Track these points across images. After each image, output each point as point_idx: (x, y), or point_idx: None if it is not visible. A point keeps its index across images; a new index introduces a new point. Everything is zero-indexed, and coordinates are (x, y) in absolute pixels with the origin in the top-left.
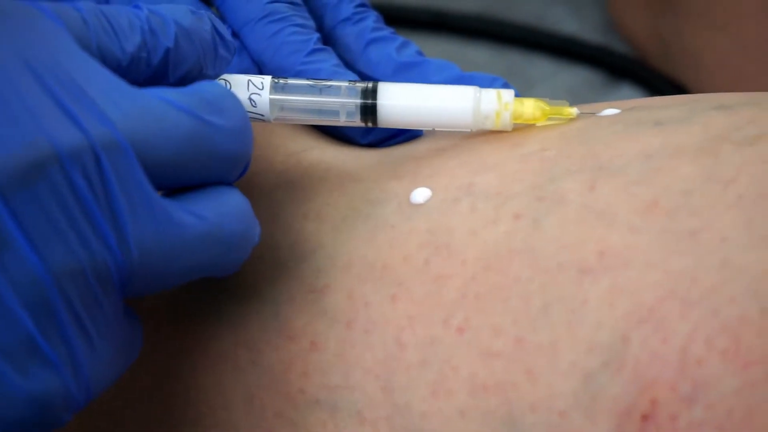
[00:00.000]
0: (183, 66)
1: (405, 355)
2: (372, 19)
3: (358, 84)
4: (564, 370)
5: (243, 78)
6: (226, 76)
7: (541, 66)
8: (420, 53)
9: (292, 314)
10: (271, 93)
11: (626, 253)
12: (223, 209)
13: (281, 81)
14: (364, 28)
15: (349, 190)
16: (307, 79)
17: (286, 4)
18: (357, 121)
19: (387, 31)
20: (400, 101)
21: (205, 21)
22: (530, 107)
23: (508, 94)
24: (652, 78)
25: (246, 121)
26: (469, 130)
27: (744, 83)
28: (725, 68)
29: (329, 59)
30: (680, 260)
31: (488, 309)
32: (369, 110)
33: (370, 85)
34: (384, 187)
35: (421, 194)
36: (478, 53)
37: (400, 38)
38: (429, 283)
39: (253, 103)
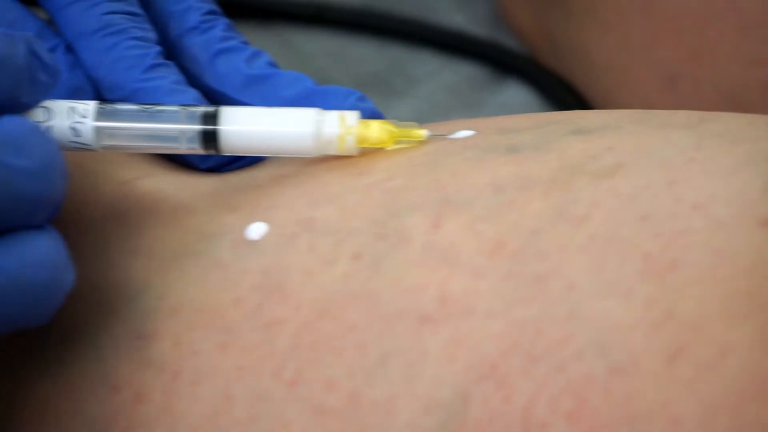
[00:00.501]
0: None
1: (233, 410)
2: (221, 27)
3: (197, 108)
4: (400, 431)
5: (64, 104)
6: (46, 102)
7: (425, 62)
8: (272, 64)
9: (116, 362)
10: (96, 120)
11: (468, 300)
12: (25, 258)
13: (108, 106)
14: (212, 38)
15: (182, 223)
16: (139, 103)
17: (125, 15)
18: (198, 149)
19: (237, 41)
20: (243, 126)
21: (18, 45)
22: (376, 130)
23: (352, 116)
24: (540, 75)
25: (53, 159)
26: (312, 156)
27: (632, 84)
28: (613, 68)
29: (169, 75)
30: (525, 309)
31: (322, 360)
32: (210, 137)
33: (210, 109)
34: (219, 220)
35: (256, 230)
36: (361, 49)
37: (251, 48)
38: (261, 329)
39: (77, 133)
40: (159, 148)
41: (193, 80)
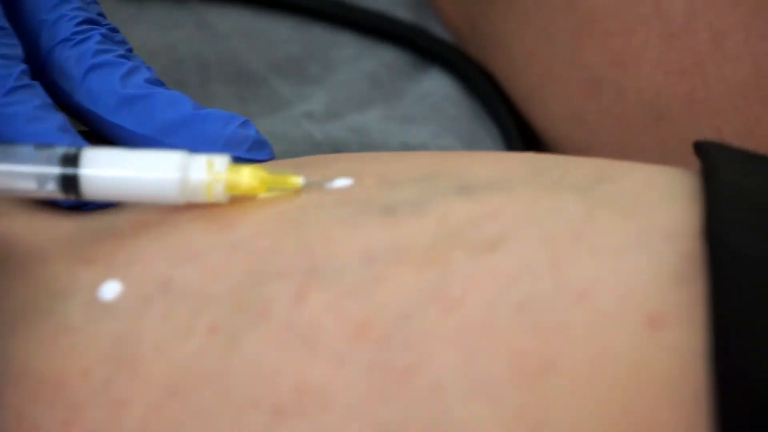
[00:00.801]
0: None
1: None
2: (95, 40)
3: (55, 149)
4: None
5: None
6: None
7: (345, 46)
8: (150, 82)
9: None
10: None
11: (327, 393)
12: None
13: None
14: (85, 51)
15: (34, 275)
16: None
17: None
18: (57, 194)
19: (113, 54)
20: (106, 172)
21: None
22: (247, 177)
23: (221, 161)
24: (463, 65)
25: None
26: (179, 204)
27: (554, 85)
28: (534, 64)
29: (32, 99)
30: (387, 409)
31: None
32: (70, 181)
33: (71, 150)
34: (73, 273)
35: (110, 289)
36: (279, 30)
37: (129, 63)
38: (107, 408)
39: None
40: (18, 192)
41: (64, 98)
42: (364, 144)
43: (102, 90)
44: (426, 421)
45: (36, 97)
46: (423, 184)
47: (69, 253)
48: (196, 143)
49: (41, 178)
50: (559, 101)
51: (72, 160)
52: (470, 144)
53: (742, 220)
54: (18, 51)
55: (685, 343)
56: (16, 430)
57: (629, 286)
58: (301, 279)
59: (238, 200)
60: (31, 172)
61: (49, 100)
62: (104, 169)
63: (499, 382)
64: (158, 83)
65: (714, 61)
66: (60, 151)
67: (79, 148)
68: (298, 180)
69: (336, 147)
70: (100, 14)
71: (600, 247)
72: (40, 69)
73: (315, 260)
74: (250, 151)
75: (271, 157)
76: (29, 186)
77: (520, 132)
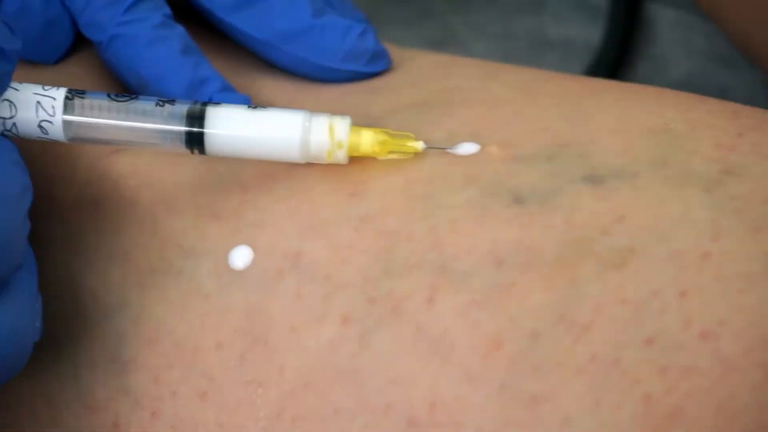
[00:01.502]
0: None
1: None
2: None
3: (181, 106)
4: None
5: (30, 96)
6: (10, 93)
7: None
8: None
9: (92, 382)
10: (65, 113)
11: (459, 411)
12: None
13: (77, 99)
14: None
15: (161, 226)
16: (114, 96)
17: None
18: (181, 149)
19: None
20: (229, 131)
21: None
22: (368, 140)
23: (343, 126)
24: None
25: (9, 237)
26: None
27: None
28: None
29: (150, 15)
30: None
31: None
32: (196, 139)
33: (196, 108)
34: (202, 230)
35: (241, 257)
36: None
37: None
38: (242, 387)
39: (44, 131)
40: (137, 144)
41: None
42: None
43: None
44: None
45: (155, 11)
46: (550, 164)
47: (197, 203)
48: (314, 53)
49: (167, 135)
50: None
51: (198, 119)
52: None
53: None
54: None
55: None
56: (155, 394)
57: (754, 331)
58: (430, 277)
59: (360, 160)
60: (158, 129)
61: (167, 11)
62: (228, 128)
63: (627, 426)
64: None
65: None
66: (184, 108)
67: (204, 106)
68: (418, 145)
69: None
70: None
71: (727, 275)
72: None
73: (444, 256)
74: (369, 64)
75: (388, 67)
76: (155, 143)
77: None
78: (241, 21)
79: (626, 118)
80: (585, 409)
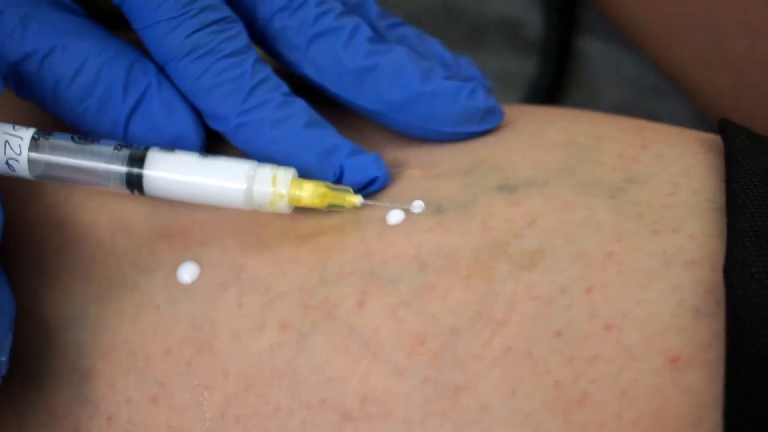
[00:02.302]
0: None
1: None
2: (313, 2)
3: (125, 150)
4: None
5: (1, 136)
6: None
7: None
8: (372, 41)
9: (54, 391)
10: (30, 150)
11: (388, 402)
12: None
13: (42, 139)
14: (305, 19)
15: (119, 244)
16: (77, 139)
17: (211, 28)
18: (122, 190)
19: (332, 16)
20: (169, 174)
21: None
22: (309, 192)
23: (285, 176)
24: None
25: None
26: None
27: None
28: None
29: (271, 98)
30: (440, 426)
31: None
32: (135, 180)
33: (139, 151)
34: (154, 248)
35: (188, 272)
36: None
37: (348, 25)
38: (190, 391)
39: (11, 168)
40: (88, 182)
41: (291, 67)
42: None
43: (327, 63)
44: None
45: (274, 91)
46: (467, 178)
47: (151, 223)
48: (426, 120)
49: (110, 175)
50: None
51: (138, 161)
52: None
53: (763, 258)
54: (244, 38)
55: (703, 385)
56: (111, 400)
57: (653, 322)
58: (361, 283)
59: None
60: (102, 168)
61: (285, 88)
62: (170, 172)
63: (539, 412)
64: (378, 41)
65: None
66: (127, 151)
67: (146, 150)
68: (356, 199)
69: None
70: None
71: (629, 271)
72: (260, 36)
73: (372, 264)
74: (482, 122)
75: (501, 121)
76: (101, 182)
77: None
78: (352, 94)
79: (537, 136)
80: (501, 397)
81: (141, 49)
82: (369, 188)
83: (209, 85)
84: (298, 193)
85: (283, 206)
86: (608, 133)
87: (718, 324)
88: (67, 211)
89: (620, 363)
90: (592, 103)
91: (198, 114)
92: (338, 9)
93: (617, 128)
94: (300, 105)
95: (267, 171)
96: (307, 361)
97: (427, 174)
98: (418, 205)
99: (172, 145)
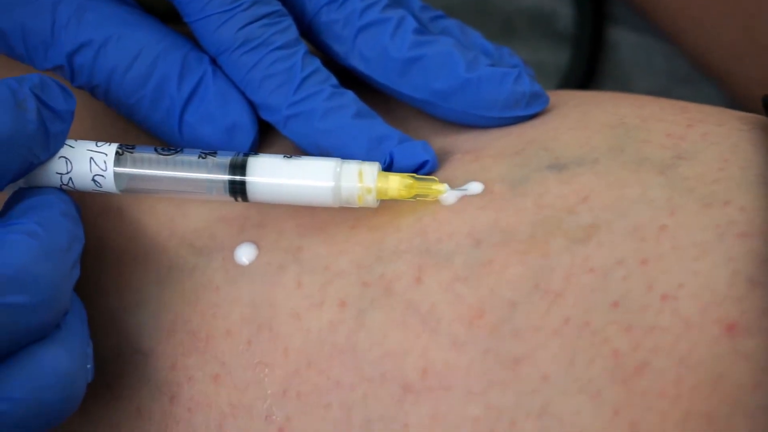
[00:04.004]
0: (3, 181)
1: None
2: None
3: (223, 158)
4: None
5: (85, 153)
6: (66, 147)
7: None
8: (417, 33)
9: (117, 373)
10: (116, 165)
11: (448, 375)
12: (38, 381)
13: (127, 153)
14: (352, 12)
15: (177, 228)
16: (161, 150)
17: (262, 21)
18: (226, 197)
19: (378, 8)
20: (266, 179)
21: (28, 109)
22: (395, 185)
23: (371, 170)
24: None
25: (56, 287)
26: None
27: None
28: None
29: (321, 89)
30: (501, 395)
31: (310, 412)
32: (238, 187)
33: (239, 158)
34: (212, 231)
35: (246, 253)
36: None
37: (394, 16)
38: (251, 369)
39: (98, 184)
40: (179, 192)
41: (339, 59)
42: None
43: (374, 54)
44: (534, 411)
45: (323, 83)
46: (517, 158)
47: (207, 209)
48: (473, 106)
49: (212, 184)
50: None
51: (240, 168)
52: None
53: None
54: (293, 31)
55: (760, 351)
56: (173, 380)
57: (709, 292)
58: (417, 259)
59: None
60: (203, 178)
61: (334, 80)
62: (266, 176)
63: (598, 380)
64: (423, 32)
65: None
66: (227, 160)
67: (246, 157)
68: (442, 187)
69: None
70: None
71: (683, 244)
72: (308, 29)
73: (428, 241)
74: (528, 106)
75: (547, 105)
76: (201, 192)
77: None
78: (399, 84)
79: (584, 118)
80: (561, 366)
81: (193, 40)
82: (419, 173)
83: (261, 76)
84: (385, 186)
85: (371, 200)
86: (654, 114)
87: None
88: (125, 199)
89: (678, 332)
90: (623, 92)
91: (251, 104)
92: (384, 2)
93: (662, 109)
94: (349, 96)
95: (353, 167)
96: (367, 337)
97: (477, 156)
98: (479, 187)
99: (227, 134)
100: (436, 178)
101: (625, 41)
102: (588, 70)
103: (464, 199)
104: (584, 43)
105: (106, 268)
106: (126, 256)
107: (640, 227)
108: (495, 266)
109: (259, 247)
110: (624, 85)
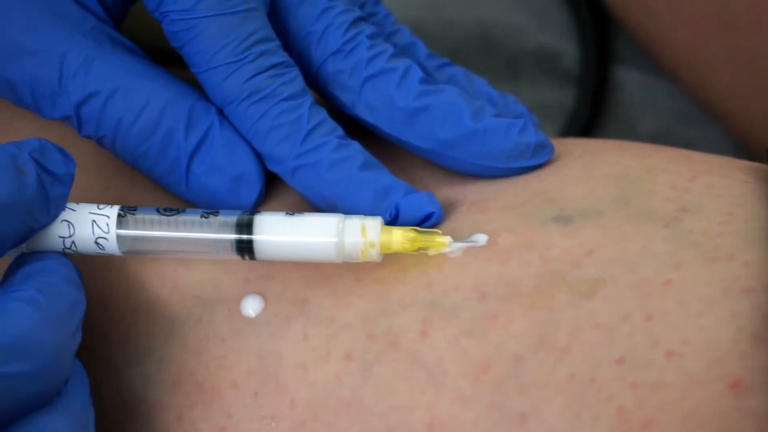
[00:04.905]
0: (3, 246)
1: None
2: (365, 46)
3: (211, 216)
4: None
5: (87, 216)
6: (68, 210)
7: None
8: (423, 82)
9: (122, 424)
10: (118, 227)
11: (454, 430)
12: None
13: (129, 215)
14: (358, 62)
15: (181, 279)
16: (163, 211)
17: (269, 72)
18: (233, 256)
19: (384, 58)
20: (271, 237)
21: (28, 173)
22: (398, 238)
23: (374, 227)
24: None
25: (57, 355)
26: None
27: None
28: None
29: (327, 141)
30: None
31: None
32: (245, 246)
33: (244, 217)
34: (218, 282)
35: (252, 305)
36: None
37: (400, 66)
38: (257, 421)
39: (101, 247)
40: (183, 253)
41: (345, 108)
42: (441, 21)
43: (381, 103)
44: None
45: (329, 134)
46: (523, 210)
47: (210, 260)
48: (479, 157)
49: (219, 243)
50: None
51: (246, 227)
52: (542, 19)
53: None
54: (300, 82)
55: (765, 409)
56: (177, 430)
57: (713, 349)
58: (423, 312)
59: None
60: (210, 238)
61: (340, 131)
62: (273, 234)
63: None
64: (429, 81)
65: None
66: (233, 219)
67: (252, 216)
68: (446, 239)
69: (415, 26)
70: None
71: (688, 299)
72: (314, 79)
73: (433, 294)
74: (533, 157)
75: (551, 156)
76: (207, 251)
77: (590, 6)
78: (405, 133)
79: (589, 169)
80: (567, 423)
81: (199, 88)
82: (424, 224)
83: (267, 127)
84: (388, 240)
85: (374, 255)
86: (658, 165)
87: None
88: None
89: (683, 389)
90: (628, 132)
91: (258, 155)
92: (390, 51)
93: (666, 159)
94: (355, 147)
95: (355, 222)
96: (373, 390)
97: (483, 207)
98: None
99: (234, 184)
100: (440, 231)
101: (629, 81)
102: (593, 110)
103: (470, 251)
104: (589, 83)
105: (110, 320)
106: (129, 308)
107: (645, 282)
108: (501, 320)
109: (264, 298)
110: (628, 124)
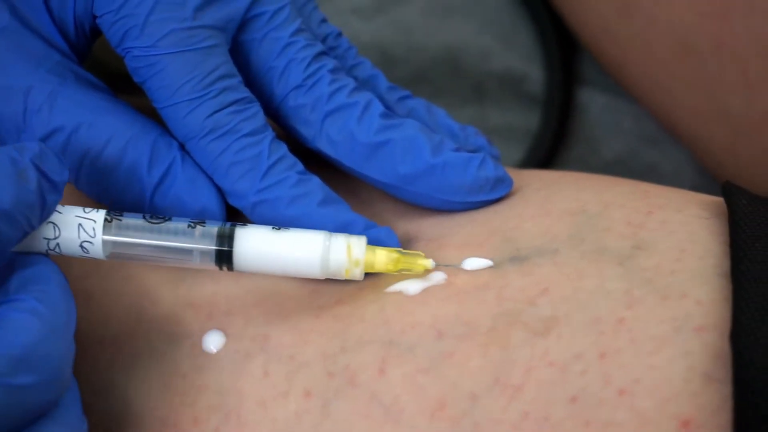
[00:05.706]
0: (6, 251)
1: None
2: (326, 81)
3: (211, 228)
4: None
5: (73, 219)
6: (55, 212)
7: None
8: (383, 116)
9: None
10: (104, 233)
11: None
12: None
13: (116, 220)
14: (320, 97)
15: (145, 314)
16: (149, 218)
17: (228, 109)
18: (211, 266)
19: (345, 92)
20: (254, 249)
21: (30, 179)
22: (382, 258)
23: (359, 246)
24: None
25: (61, 365)
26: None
27: None
28: None
29: (287, 176)
30: None
31: None
32: (225, 257)
33: (226, 228)
34: (181, 317)
35: (213, 341)
36: None
37: (361, 101)
38: None
39: (85, 250)
40: (166, 260)
41: (306, 142)
42: (409, 44)
43: (341, 138)
44: None
45: (289, 170)
46: (481, 249)
47: (178, 291)
48: (438, 191)
49: (199, 252)
50: (592, 16)
51: (228, 238)
52: (508, 42)
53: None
54: (260, 118)
55: None
56: None
57: (665, 388)
58: (380, 351)
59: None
60: (190, 247)
61: (300, 167)
62: (254, 246)
63: None
64: (390, 115)
65: (742, 11)
66: (214, 229)
67: (233, 227)
68: (428, 262)
69: (383, 49)
70: (323, 20)
71: (640, 338)
72: (275, 113)
73: (391, 332)
74: (492, 191)
75: (510, 189)
76: (186, 259)
77: (556, 30)
78: (365, 168)
79: (546, 204)
80: None
81: (161, 122)
82: None
83: (228, 163)
84: (372, 260)
85: (357, 273)
86: (615, 199)
87: (728, 388)
88: (94, 282)
89: (634, 428)
90: (593, 154)
91: (220, 190)
92: (351, 85)
93: (623, 194)
94: (315, 182)
95: (341, 240)
96: (332, 427)
97: (441, 244)
98: (484, 262)
99: (196, 219)
100: (422, 253)
101: (594, 103)
102: (558, 132)
103: (427, 290)
104: (554, 106)
105: (75, 353)
106: (93, 340)
107: (598, 320)
108: (457, 358)
109: (226, 334)
110: (593, 146)
